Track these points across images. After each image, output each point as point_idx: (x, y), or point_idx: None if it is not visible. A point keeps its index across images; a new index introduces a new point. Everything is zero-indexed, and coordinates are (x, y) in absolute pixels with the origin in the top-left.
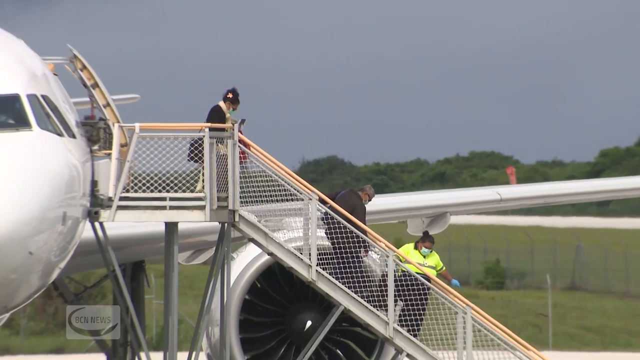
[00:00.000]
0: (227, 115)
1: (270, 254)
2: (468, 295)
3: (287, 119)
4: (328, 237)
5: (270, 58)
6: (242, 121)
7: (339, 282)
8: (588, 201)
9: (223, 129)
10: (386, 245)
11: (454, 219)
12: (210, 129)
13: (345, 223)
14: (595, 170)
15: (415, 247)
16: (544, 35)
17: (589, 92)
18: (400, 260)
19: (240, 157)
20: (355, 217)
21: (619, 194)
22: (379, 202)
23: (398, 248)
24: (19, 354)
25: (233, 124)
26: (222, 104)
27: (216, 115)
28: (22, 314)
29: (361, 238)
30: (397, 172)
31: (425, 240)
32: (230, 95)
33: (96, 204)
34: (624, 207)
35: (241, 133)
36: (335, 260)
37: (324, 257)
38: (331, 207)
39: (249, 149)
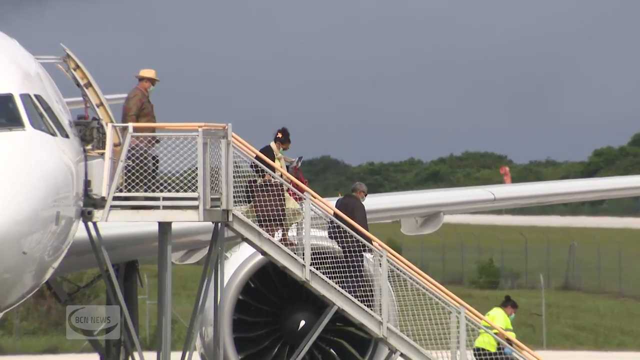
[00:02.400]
0: (279, 155)
1: (264, 253)
2: (462, 295)
3: (281, 119)
4: (344, 252)
5: (265, 58)
6: (299, 159)
7: (333, 281)
8: (581, 201)
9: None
10: (379, 245)
11: (448, 219)
12: (204, 130)
13: (346, 227)
14: (588, 170)
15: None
16: (537, 36)
17: (582, 93)
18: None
19: (294, 197)
20: (357, 217)
21: (612, 193)
22: (372, 202)
23: (393, 249)
24: (12, 354)
25: (289, 163)
26: (272, 144)
27: (266, 155)
28: (15, 314)
29: (361, 242)
30: (391, 171)
31: (515, 306)
32: (280, 135)
33: (89, 204)
34: (617, 206)
35: (299, 171)
36: (348, 271)
37: (318, 257)
38: (336, 216)
39: (305, 194)
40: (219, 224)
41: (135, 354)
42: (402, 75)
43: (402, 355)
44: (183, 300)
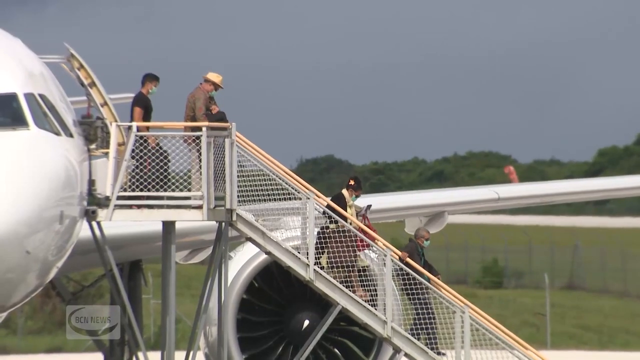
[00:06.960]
0: (350, 203)
1: (268, 253)
2: (466, 295)
3: (285, 118)
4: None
5: (268, 56)
6: (368, 207)
7: (337, 281)
8: (586, 200)
9: (223, 129)
10: (384, 244)
11: (452, 218)
12: (209, 128)
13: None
14: (593, 170)
15: None
16: (542, 35)
17: (587, 92)
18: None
19: (358, 245)
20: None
21: (616, 193)
22: (376, 201)
23: (397, 248)
24: (17, 353)
25: (358, 212)
26: (344, 191)
27: (338, 203)
28: (20, 314)
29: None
30: (394, 171)
31: None
32: (352, 183)
33: (93, 203)
34: (621, 206)
35: (367, 219)
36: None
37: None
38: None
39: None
40: (223, 224)
41: (140, 354)
42: (406, 74)
43: (406, 355)
44: (187, 299)
